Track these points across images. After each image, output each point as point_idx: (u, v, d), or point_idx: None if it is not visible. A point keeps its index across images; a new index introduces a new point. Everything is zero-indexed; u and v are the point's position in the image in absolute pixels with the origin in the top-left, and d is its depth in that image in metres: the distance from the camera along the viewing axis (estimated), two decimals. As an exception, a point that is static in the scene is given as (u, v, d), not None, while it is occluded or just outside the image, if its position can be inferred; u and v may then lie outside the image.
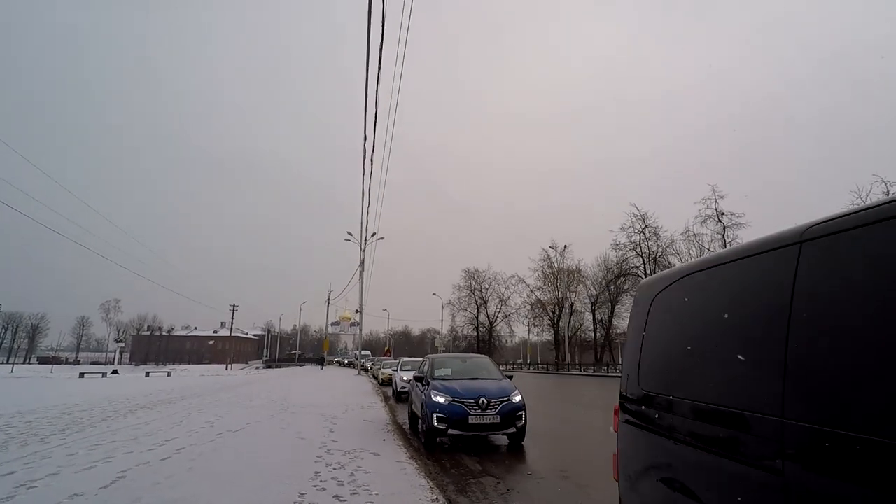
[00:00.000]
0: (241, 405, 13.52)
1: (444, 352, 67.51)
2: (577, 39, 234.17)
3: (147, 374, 39.83)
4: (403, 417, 12.13)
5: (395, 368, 20.60)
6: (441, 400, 7.94)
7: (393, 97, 11.26)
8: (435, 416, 7.85)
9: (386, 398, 16.92)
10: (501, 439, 8.67)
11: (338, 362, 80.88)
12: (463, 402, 7.83)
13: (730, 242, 35.44)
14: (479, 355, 11.43)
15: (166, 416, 10.91)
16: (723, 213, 35.57)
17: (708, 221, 36.45)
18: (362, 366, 39.52)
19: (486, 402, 7.79)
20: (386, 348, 54.00)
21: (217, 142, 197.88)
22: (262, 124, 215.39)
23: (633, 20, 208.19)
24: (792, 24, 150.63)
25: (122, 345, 66.18)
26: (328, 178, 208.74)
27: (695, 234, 37.82)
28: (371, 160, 15.81)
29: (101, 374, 38.03)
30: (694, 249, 38.37)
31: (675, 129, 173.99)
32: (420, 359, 21.50)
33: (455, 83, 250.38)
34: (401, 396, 16.12)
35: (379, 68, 8.51)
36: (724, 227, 35.65)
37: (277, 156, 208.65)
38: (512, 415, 7.89)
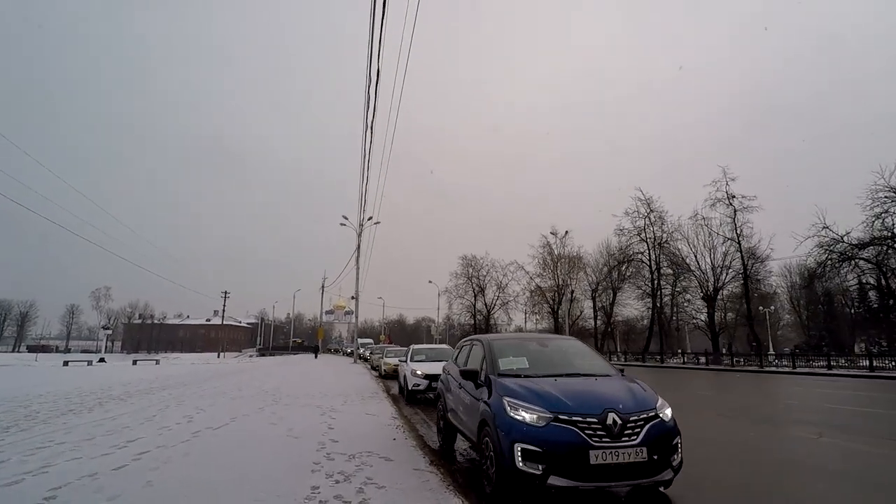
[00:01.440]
0: (228, 396, 12.14)
1: (440, 341, 66.57)
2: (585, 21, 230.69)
3: (134, 363, 38.35)
4: (410, 410, 10.81)
5: (402, 358, 16.04)
6: (530, 417, 4.21)
7: (397, 81, 9.86)
8: (519, 448, 4.08)
9: (387, 390, 15.52)
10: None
11: (335, 350, 79.49)
12: (576, 423, 4.08)
13: (740, 227, 34.31)
14: (564, 336, 7.37)
15: (139, 410, 9.50)
16: (733, 196, 34.31)
17: (717, 205, 35.23)
18: (359, 354, 38.25)
19: (618, 420, 4.11)
20: (384, 335, 51.35)
21: (210, 128, 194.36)
22: (259, 111, 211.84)
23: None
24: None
25: (109, 332, 64.37)
26: (324, 164, 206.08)
27: (703, 219, 36.60)
28: (370, 138, 14.45)
29: (86, 363, 36.51)
30: (703, 234, 37.21)
31: (683, 113, 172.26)
32: (433, 346, 18.48)
33: (455, 71, 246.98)
34: (415, 396, 12.75)
35: (380, 49, 7.59)
36: (735, 211, 34.42)
37: (272, 142, 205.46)
38: (665, 444, 4.19)
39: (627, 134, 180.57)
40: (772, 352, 41.33)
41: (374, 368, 25.98)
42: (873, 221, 24.20)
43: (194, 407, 9.93)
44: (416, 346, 15.60)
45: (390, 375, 18.18)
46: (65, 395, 11.86)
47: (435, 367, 11.38)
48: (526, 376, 4.97)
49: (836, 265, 25.85)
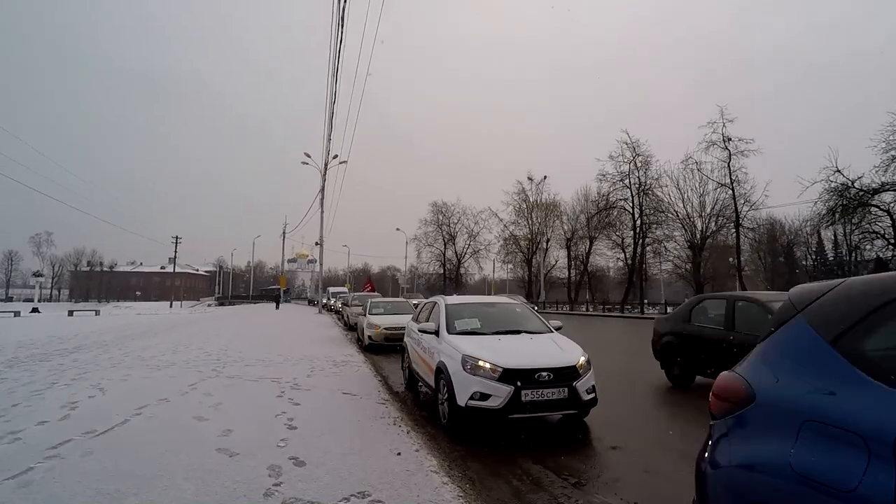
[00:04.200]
0: (153, 363, 9.19)
1: (408, 290, 64.35)
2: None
3: (70, 313, 34.32)
4: (399, 381, 8.19)
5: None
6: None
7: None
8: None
9: (358, 343, 12.91)
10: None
11: (308, 300, 75.53)
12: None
13: (735, 172, 32.33)
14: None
15: (3, 393, 6.49)
16: (729, 139, 32.03)
17: (712, 148, 32.99)
18: (325, 304, 35.46)
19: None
20: (352, 284, 45.12)
21: (153, 62, 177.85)
22: (209, 44, 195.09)
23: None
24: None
25: (42, 279, 58.72)
26: (285, 97, 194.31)
27: (696, 163, 34.43)
28: (338, 76, 11.29)
29: (12, 314, 32.33)
30: (693, 179, 35.18)
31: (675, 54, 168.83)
32: (389, 300, 17.43)
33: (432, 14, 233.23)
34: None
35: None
36: (731, 155, 32.25)
37: (225, 77, 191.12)
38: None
39: (612, 81, 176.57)
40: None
41: (349, 327, 19.13)
42: (888, 165, 22.57)
43: (93, 384, 6.97)
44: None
45: (380, 345, 12.13)
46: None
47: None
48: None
49: (852, 211, 24.27)
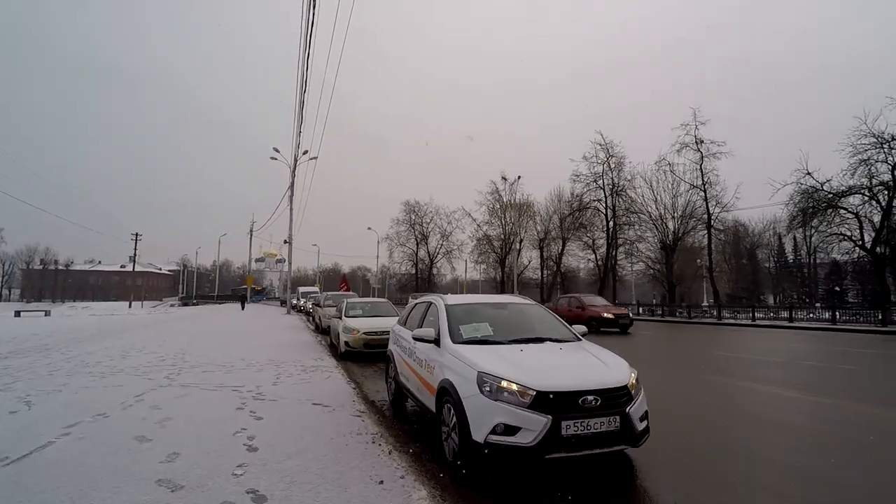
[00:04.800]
0: (98, 370, 8.22)
1: (379, 290, 63.33)
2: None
3: (17, 314, 32.13)
4: (374, 388, 7.49)
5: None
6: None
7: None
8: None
9: (332, 351, 12.01)
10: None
11: (280, 301, 73.22)
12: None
13: (707, 174, 32.66)
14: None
15: None
16: (701, 141, 32.39)
17: (684, 150, 33.30)
18: (299, 307, 34.26)
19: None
20: (342, 282, 41.32)
21: (112, 51, 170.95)
22: (174, 37, 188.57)
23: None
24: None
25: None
26: (247, 88, 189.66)
27: (669, 164, 34.67)
28: (307, 70, 10.58)
29: (-49, 315, 30.04)
30: (665, 180, 35.39)
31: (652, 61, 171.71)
32: (369, 300, 14.93)
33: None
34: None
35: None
36: (703, 157, 32.59)
37: (187, 66, 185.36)
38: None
39: (589, 83, 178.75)
40: (705, 303, 41.85)
41: (321, 330, 17.43)
42: (856, 169, 23.04)
43: (20, 396, 6.04)
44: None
45: (358, 352, 10.61)
46: None
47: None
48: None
49: (822, 213, 24.69)
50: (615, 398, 3.76)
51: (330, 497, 3.19)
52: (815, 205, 24.76)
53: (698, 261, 44.86)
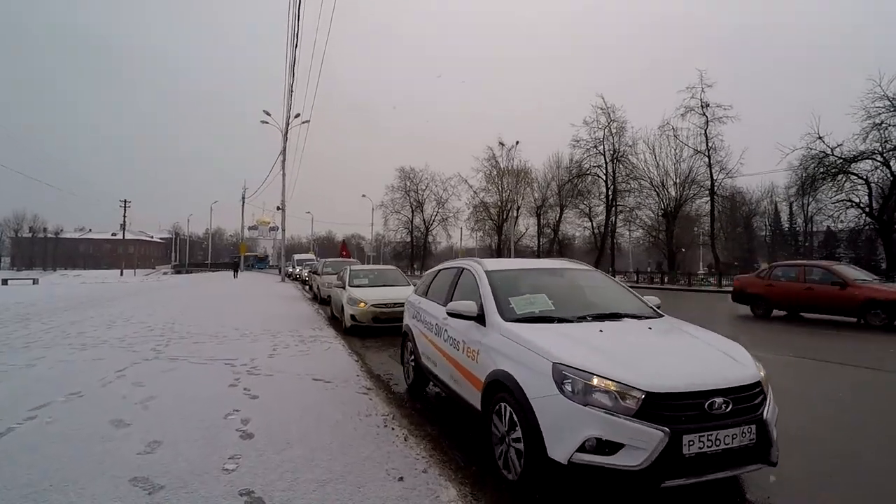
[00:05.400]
0: (79, 341, 7.62)
1: (374, 258, 62.84)
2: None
3: (4, 282, 31.34)
4: (378, 361, 6.97)
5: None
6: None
7: None
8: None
9: (331, 322, 11.38)
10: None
11: (293, 276, 72.93)
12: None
13: (712, 139, 31.81)
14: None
15: None
16: (707, 105, 31.39)
17: (689, 114, 32.30)
18: (289, 274, 33.68)
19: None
20: (341, 249, 39.17)
21: (98, 18, 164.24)
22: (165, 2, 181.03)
23: None
24: None
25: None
26: (237, 53, 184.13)
27: (673, 129, 33.74)
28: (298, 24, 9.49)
29: (-65, 282, 29.24)
30: (668, 146, 34.52)
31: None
32: (381, 267, 13.93)
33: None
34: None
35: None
36: (708, 121, 31.64)
37: (175, 30, 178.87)
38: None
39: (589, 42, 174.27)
40: (700, 270, 41.53)
41: (320, 300, 16.03)
42: (868, 133, 22.27)
43: (-13, 372, 5.44)
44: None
45: (366, 326, 9.38)
46: None
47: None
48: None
49: (832, 178, 24.04)
50: (748, 400, 2.74)
51: (342, 499, 2.64)
52: (825, 170, 24.10)
53: (695, 228, 44.44)
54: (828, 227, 58.94)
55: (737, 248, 58.38)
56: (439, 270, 5.45)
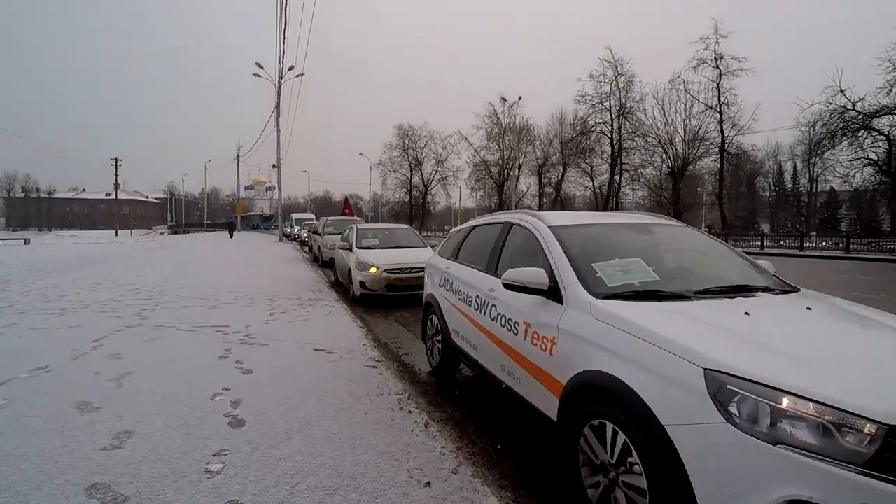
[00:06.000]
0: (58, 306, 7.00)
1: (372, 218, 62.07)
2: None
3: (-5, 242, 30.70)
4: (385, 326, 6.39)
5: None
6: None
7: None
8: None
9: (333, 285, 10.74)
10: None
11: (293, 237, 72.01)
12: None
13: (724, 94, 30.49)
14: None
15: None
16: (721, 57, 29.92)
17: (702, 67, 30.85)
18: (286, 234, 32.98)
19: None
20: (344, 206, 37.39)
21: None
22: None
23: None
24: None
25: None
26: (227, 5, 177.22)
27: (684, 83, 32.32)
28: None
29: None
30: (678, 101, 33.19)
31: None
32: (392, 225, 11.65)
33: None
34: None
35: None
36: (721, 74, 30.23)
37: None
38: None
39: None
40: (703, 230, 40.92)
41: (321, 263, 14.88)
42: (892, 86, 21.05)
43: (-54, 342, 4.83)
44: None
45: (378, 295, 8.27)
46: None
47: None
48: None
49: (853, 134, 23.03)
50: None
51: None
52: (845, 125, 23.05)
53: (699, 189, 43.53)
54: (831, 187, 58.11)
55: (739, 208, 57.69)
56: (473, 227, 4.45)
